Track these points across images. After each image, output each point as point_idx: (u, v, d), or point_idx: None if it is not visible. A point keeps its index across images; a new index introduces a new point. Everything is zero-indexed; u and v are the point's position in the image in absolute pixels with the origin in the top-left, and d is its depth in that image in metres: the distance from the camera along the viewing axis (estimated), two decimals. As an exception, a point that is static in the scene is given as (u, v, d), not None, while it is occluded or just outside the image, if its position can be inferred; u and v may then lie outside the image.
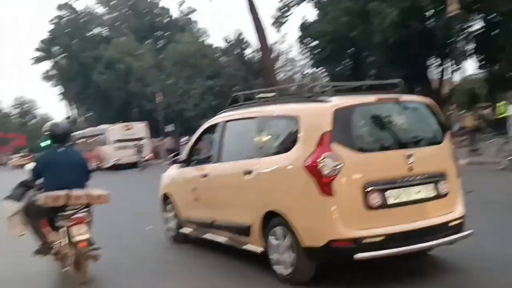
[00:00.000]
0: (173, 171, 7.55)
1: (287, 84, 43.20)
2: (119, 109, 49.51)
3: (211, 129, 6.81)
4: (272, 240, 5.13)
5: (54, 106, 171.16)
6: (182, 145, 27.54)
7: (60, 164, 5.87)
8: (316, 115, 4.94)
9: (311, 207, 4.70)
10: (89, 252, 5.56)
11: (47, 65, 64.19)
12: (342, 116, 4.74)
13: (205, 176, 6.42)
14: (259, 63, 38.57)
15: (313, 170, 4.60)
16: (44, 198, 5.62)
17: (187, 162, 7.15)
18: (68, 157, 6.00)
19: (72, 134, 6.75)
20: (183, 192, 7.11)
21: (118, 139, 31.93)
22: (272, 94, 6.00)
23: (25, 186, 6.20)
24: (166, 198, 7.71)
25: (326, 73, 35.22)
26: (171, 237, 7.61)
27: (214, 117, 6.84)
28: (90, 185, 6.10)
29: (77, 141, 37.60)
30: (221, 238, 6.20)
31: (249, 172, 5.44)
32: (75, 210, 5.64)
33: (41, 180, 5.93)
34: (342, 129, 4.74)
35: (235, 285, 5.27)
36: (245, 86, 36.40)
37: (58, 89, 67.84)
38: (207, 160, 6.72)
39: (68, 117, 66.51)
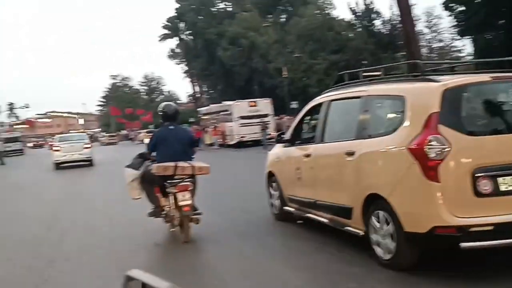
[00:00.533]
0: (279, 150, 7.65)
1: (430, 56, 40.29)
2: (241, 86, 49.50)
3: (316, 108, 6.78)
4: (373, 223, 5.03)
5: (179, 83, 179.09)
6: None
7: (170, 139, 6.82)
8: (423, 95, 4.71)
9: (415, 191, 4.52)
10: (191, 215, 6.47)
11: (173, 42, 66.52)
12: (451, 97, 4.47)
13: (308, 156, 6.43)
14: (390, 35, 36.11)
15: (418, 153, 4.41)
16: (156, 168, 6.62)
17: (291, 142, 7.20)
18: (177, 134, 6.94)
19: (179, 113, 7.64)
20: (287, 171, 7.19)
21: (243, 115, 30.57)
22: (379, 72, 5.81)
23: (142, 157, 7.26)
24: (271, 176, 7.86)
25: (472, 43, 31.90)
26: (275, 215, 7.76)
27: (319, 96, 6.80)
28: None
29: (201, 118, 38.97)
30: (322, 218, 6.19)
31: (352, 154, 5.36)
32: (181, 179, 6.52)
33: (154, 153, 6.96)
34: (451, 110, 4.47)
35: (331, 262, 5.26)
36: (373, 61, 34.56)
37: (183, 67, 70.51)
38: (310, 140, 6.72)
39: (192, 94, 67.49)
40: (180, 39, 63.04)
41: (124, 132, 70.09)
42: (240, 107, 31.33)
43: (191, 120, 55.89)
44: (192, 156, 6.99)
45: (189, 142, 7.05)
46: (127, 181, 7.20)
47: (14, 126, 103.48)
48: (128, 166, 7.26)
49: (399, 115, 4.85)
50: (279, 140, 7.46)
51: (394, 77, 5.51)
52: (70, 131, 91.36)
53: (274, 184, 7.74)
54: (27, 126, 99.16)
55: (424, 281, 4.52)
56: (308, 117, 7.09)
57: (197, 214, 6.64)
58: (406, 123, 4.68)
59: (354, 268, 5.06)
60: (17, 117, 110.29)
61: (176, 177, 6.54)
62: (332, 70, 35.53)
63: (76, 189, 15.02)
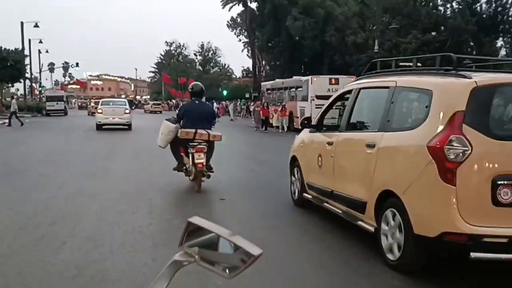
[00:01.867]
0: (305, 134, 7.46)
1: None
2: (308, 62, 44.56)
3: (345, 95, 6.56)
4: (385, 221, 4.82)
5: (235, 57, 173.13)
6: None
7: (195, 111, 8.61)
8: (450, 91, 4.43)
9: (429, 192, 4.29)
10: (203, 171, 8.29)
11: (237, 9, 61.83)
12: (480, 96, 4.17)
13: (330, 144, 6.24)
14: (494, 17, 31.82)
15: (437, 152, 4.16)
16: (180, 132, 8.44)
17: (317, 128, 7.01)
18: (201, 107, 8.80)
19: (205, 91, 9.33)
20: (309, 157, 7.02)
21: (319, 94, 23.67)
22: (410, 63, 5.52)
23: (175, 121, 8.94)
24: (294, 161, 7.71)
25: None
26: (294, 200, 7.62)
27: (351, 83, 6.55)
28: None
29: (264, 93, 34.70)
30: (337, 209, 6.02)
31: (372, 146, 5.14)
32: (199, 143, 8.28)
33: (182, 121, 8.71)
34: (478, 110, 4.18)
35: (339, 259, 5.10)
36: (474, 44, 30.77)
37: (242, 38, 67.05)
38: (336, 127, 6.51)
39: (248, 69, 63.70)
40: (245, 5, 57.75)
41: (173, 101, 66.39)
42: (318, 83, 25.22)
43: (248, 96, 53.04)
44: (212, 126, 8.77)
45: (209, 115, 8.87)
46: (162, 131, 8.97)
47: (69, 86, 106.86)
48: (167, 120, 9.10)
49: (424, 110, 4.58)
50: (305, 125, 7.26)
51: (425, 69, 5.19)
52: (121, 96, 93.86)
53: (296, 169, 7.59)
54: (78, 86, 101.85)
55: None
56: (338, 104, 6.86)
57: (210, 172, 8.53)
58: (430, 120, 4.41)
59: (362, 267, 4.89)
60: (71, 77, 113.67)
61: (195, 140, 8.31)
62: (423, 52, 29.75)
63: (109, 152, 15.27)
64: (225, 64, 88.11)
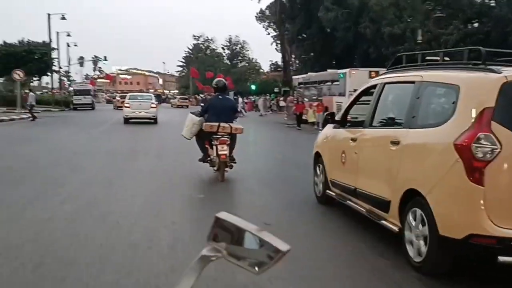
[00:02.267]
0: (329, 130, 7.32)
1: None
2: (339, 55, 42.46)
3: (370, 90, 6.39)
4: (409, 221, 4.66)
5: (263, 50, 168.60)
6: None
7: (218, 106, 9.19)
8: (479, 86, 4.24)
9: (455, 192, 4.11)
10: (226, 162, 8.96)
11: (267, 1, 59.22)
12: (510, 91, 3.97)
13: (354, 140, 6.09)
14: None
15: (464, 150, 3.98)
16: (205, 126, 9.11)
17: (341, 123, 6.86)
18: (224, 102, 9.36)
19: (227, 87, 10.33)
20: (333, 153, 6.88)
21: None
22: (437, 57, 5.32)
23: (199, 114, 9.63)
24: (318, 157, 7.58)
25: None
26: (317, 197, 7.50)
27: (376, 78, 6.37)
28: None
29: (297, 88, 33.55)
30: (360, 208, 5.87)
31: (397, 143, 4.97)
32: (222, 135, 8.87)
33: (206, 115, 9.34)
34: (508, 106, 3.98)
35: (363, 258, 4.96)
36: None
37: (271, 32, 64.13)
38: (360, 123, 6.36)
39: (276, 63, 60.50)
40: None
41: (201, 96, 63.49)
42: (356, 77, 23.48)
43: (277, 90, 51.71)
44: (235, 120, 9.42)
45: (231, 109, 9.53)
46: (187, 123, 9.63)
47: (98, 80, 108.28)
48: (192, 113, 9.93)
49: (451, 106, 4.40)
50: (329, 120, 7.10)
51: (452, 63, 4.99)
52: (149, 90, 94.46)
53: (319, 166, 7.46)
54: (108, 80, 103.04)
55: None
56: (362, 99, 6.69)
57: (232, 163, 9.24)
58: (457, 116, 4.23)
59: (386, 267, 4.75)
60: (101, 71, 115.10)
61: (218, 133, 8.91)
62: (465, 44, 26.90)
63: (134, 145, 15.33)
64: (252, 58, 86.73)
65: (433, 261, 4.31)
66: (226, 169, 9.05)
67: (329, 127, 7.32)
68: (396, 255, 4.89)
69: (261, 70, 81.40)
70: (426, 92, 4.90)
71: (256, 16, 67.62)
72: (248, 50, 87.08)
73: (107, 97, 77.29)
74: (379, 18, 37.44)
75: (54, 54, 49.77)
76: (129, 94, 30.80)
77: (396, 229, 4.95)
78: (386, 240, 5.30)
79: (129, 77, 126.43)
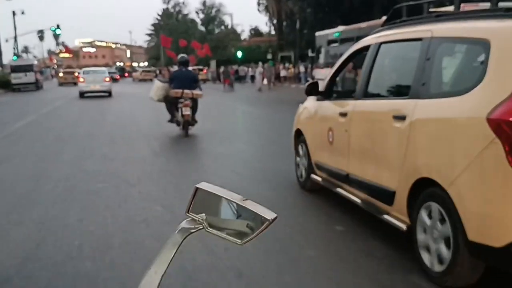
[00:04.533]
0: (311, 103, 6.26)
1: None
2: (351, 11, 34.57)
3: (360, 53, 5.35)
4: (422, 218, 3.69)
5: (242, 13, 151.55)
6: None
7: (182, 77, 11.56)
8: (519, 40, 3.21)
9: (491, 184, 3.12)
10: (189, 120, 11.37)
11: None
12: None
13: (344, 114, 5.05)
14: None
15: (503, 127, 2.97)
16: (172, 92, 11.42)
17: (325, 95, 5.81)
18: (186, 73, 11.77)
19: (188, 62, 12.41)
20: (317, 131, 5.85)
21: None
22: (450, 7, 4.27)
23: (167, 83, 11.94)
24: (299, 135, 6.56)
25: None
26: (300, 182, 6.51)
27: (365, 38, 5.30)
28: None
29: (322, 49, 25.91)
30: (354, 197, 4.89)
31: (402, 118, 3.95)
32: (185, 99, 11.24)
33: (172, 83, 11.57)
34: None
35: (363, 263, 3.99)
36: None
37: None
38: (350, 94, 5.33)
39: (277, 23, 50.81)
40: None
41: (174, 68, 59.04)
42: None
43: (270, 56, 45.21)
44: (195, 87, 11.61)
45: (192, 79, 11.77)
46: (154, 88, 11.99)
47: (60, 55, 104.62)
48: (158, 80, 13.34)
49: (477, 69, 3.38)
50: (311, 91, 6.01)
51: (474, 12, 3.94)
52: (116, 63, 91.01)
53: (301, 146, 6.45)
54: (69, 55, 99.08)
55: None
56: (350, 64, 5.65)
57: (194, 121, 11.63)
58: (488, 81, 3.21)
59: (392, 274, 3.78)
60: (64, 45, 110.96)
61: (182, 98, 11.28)
62: None
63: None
64: (227, 25, 79.40)
65: (459, 270, 3.35)
66: (190, 127, 11.50)
67: (312, 100, 6.25)
68: (403, 256, 3.94)
69: (243, 38, 73.55)
70: (439, 51, 3.85)
71: None
72: (226, 14, 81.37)
73: (53, 73, 69.41)
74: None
75: None
76: (83, 69, 32.20)
77: (403, 227, 3.98)
78: (389, 238, 4.34)
79: (93, 50, 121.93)
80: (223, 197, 1.12)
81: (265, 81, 35.02)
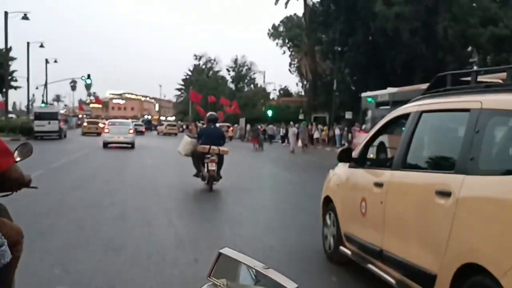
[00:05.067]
0: (342, 170, 5.97)
1: None
2: (392, 73, 33.81)
3: (399, 121, 5.10)
4: (470, 311, 3.29)
5: (275, 71, 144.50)
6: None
7: (210, 132, 12.04)
8: None
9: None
10: (214, 176, 11.62)
11: (294, 5, 51.51)
12: None
13: (380, 185, 4.74)
14: None
15: None
16: (200, 147, 11.83)
17: (359, 162, 5.52)
18: (214, 130, 12.23)
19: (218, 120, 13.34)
20: (348, 200, 5.54)
21: None
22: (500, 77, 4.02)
23: (193, 138, 12.63)
24: (328, 203, 6.24)
25: None
26: (327, 253, 6.13)
27: (405, 105, 5.06)
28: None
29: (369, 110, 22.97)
30: (388, 276, 4.49)
31: (447, 194, 3.63)
32: (212, 155, 11.56)
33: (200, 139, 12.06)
34: None
35: None
36: None
37: (287, 49, 57.28)
38: (386, 163, 5.04)
39: (312, 81, 49.22)
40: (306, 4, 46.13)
41: (201, 124, 52.26)
42: None
43: (301, 117, 45.03)
44: (222, 143, 12.09)
45: (220, 136, 12.24)
46: (183, 142, 12.48)
47: (90, 105, 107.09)
48: (187, 135, 13.81)
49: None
50: (344, 158, 5.74)
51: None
52: (145, 116, 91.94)
53: (330, 214, 6.11)
54: (99, 105, 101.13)
55: None
56: (387, 132, 5.40)
57: (219, 177, 11.86)
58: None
59: None
60: (94, 96, 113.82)
61: (209, 154, 11.61)
62: None
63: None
64: (257, 84, 79.21)
65: None
66: (214, 182, 11.72)
67: (343, 166, 5.97)
68: None
69: (271, 97, 72.71)
70: (490, 124, 3.56)
71: (268, 33, 63.57)
72: (255, 73, 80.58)
73: (78, 123, 67.51)
74: (464, 15, 27.40)
75: (17, 67, 44.34)
76: (108, 120, 33.80)
77: (446, 317, 3.57)
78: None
79: (122, 102, 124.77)
80: (245, 264, 1.13)
81: (299, 143, 33.21)
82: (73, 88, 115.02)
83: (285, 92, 69.31)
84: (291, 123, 37.83)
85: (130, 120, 36.21)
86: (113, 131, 28.24)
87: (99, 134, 38.57)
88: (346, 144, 27.59)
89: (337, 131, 36.61)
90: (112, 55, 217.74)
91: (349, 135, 33.33)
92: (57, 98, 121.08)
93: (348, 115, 35.48)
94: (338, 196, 5.90)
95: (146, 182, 13.45)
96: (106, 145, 27.76)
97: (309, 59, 48.84)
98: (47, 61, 53.97)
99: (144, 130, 55.49)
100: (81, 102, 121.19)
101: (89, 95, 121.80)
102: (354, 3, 36.78)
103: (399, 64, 33.70)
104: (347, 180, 5.69)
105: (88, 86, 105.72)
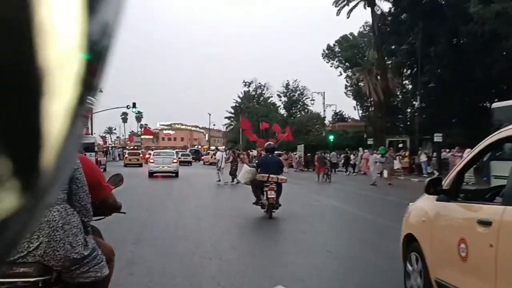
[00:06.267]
0: (428, 203, 5.14)
1: None
2: (483, 84, 30.03)
3: (501, 144, 4.27)
4: None
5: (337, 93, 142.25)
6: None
7: (268, 161, 12.72)
8: None
9: None
10: (273, 204, 12.06)
11: (358, 13, 47.42)
12: None
13: (486, 224, 3.90)
14: None
15: None
16: (258, 176, 12.44)
17: (452, 194, 4.69)
18: (272, 159, 12.93)
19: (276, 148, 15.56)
20: (441, 240, 4.69)
21: None
22: None
23: (253, 167, 13.60)
24: (410, 242, 5.40)
25: None
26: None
27: (509, 126, 4.22)
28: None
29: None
30: None
31: None
32: (270, 184, 12.10)
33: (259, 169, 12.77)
34: None
35: None
36: None
37: (342, 70, 54.77)
38: (491, 196, 4.20)
39: (384, 98, 45.10)
40: (371, 4, 42.80)
41: (254, 152, 49.77)
42: None
43: (370, 142, 41.66)
44: (280, 172, 12.84)
45: (278, 164, 13.02)
46: (243, 171, 13.51)
47: (142, 137, 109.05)
48: (251, 166, 14.05)
49: None
50: (431, 189, 4.91)
51: None
52: (195, 146, 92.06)
53: (414, 256, 5.26)
54: (147, 135, 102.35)
55: None
56: (488, 158, 4.55)
57: (278, 205, 12.24)
58: None
59: None
60: (146, 127, 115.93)
61: (268, 182, 12.10)
62: None
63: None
64: (308, 110, 75.89)
65: None
66: (273, 210, 12.09)
67: (428, 199, 5.14)
68: None
69: (327, 123, 68.74)
70: None
71: (322, 54, 61.55)
72: (308, 98, 74.57)
73: (124, 153, 68.32)
74: None
75: None
76: (154, 151, 36.31)
77: None
78: None
79: (172, 132, 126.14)
80: None
81: (385, 173, 27.01)
82: (124, 120, 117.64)
83: (340, 118, 66.76)
84: (360, 149, 35.43)
85: (173, 151, 38.01)
86: (158, 161, 30.12)
87: (140, 165, 42.42)
88: (436, 173, 23.71)
89: (423, 158, 31.32)
90: (161, 84, 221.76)
91: (441, 161, 28.98)
92: (109, 130, 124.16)
93: (438, 137, 30.20)
94: (425, 234, 5.05)
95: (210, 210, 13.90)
96: (151, 174, 29.26)
97: (381, 74, 45.08)
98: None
99: (191, 159, 54.84)
100: (132, 133, 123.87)
101: (140, 127, 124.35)
102: (436, 7, 32.37)
103: (498, 74, 28.28)
104: (437, 215, 4.84)
105: (139, 118, 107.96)
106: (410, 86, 44.11)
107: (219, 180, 24.10)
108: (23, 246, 2.74)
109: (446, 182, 4.81)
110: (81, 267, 2.96)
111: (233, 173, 23.83)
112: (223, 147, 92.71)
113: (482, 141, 4.53)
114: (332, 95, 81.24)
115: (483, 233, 3.90)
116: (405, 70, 40.90)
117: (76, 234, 2.94)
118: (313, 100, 71.19)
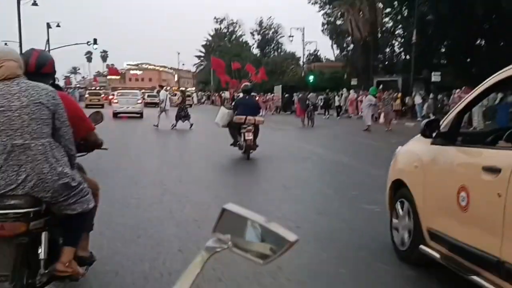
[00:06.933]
0: (420, 147, 4.76)
1: None
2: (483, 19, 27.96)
3: (506, 84, 3.86)
4: None
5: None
6: None
7: (245, 103, 12.85)
8: None
9: None
10: (251, 145, 12.32)
11: None
12: None
13: (492, 170, 3.52)
14: None
15: None
16: (235, 118, 12.55)
17: (451, 137, 4.31)
18: (249, 101, 13.27)
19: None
20: (436, 187, 4.33)
21: None
22: None
23: (230, 109, 13.48)
24: (398, 188, 5.07)
25: None
26: (399, 252, 4.98)
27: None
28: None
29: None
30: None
31: None
32: (248, 125, 12.29)
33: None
34: None
35: None
36: None
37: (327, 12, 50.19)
38: (493, 139, 3.82)
39: (370, 36, 42.61)
40: None
41: (226, 94, 49.20)
42: None
43: (354, 83, 40.08)
44: (257, 113, 13.05)
45: (255, 106, 13.37)
46: (220, 114, 13.08)
47: (108, 77, 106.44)
48: (224, 106, 15.06)
49: None
50: (427, 131, 4.51)
51: None
52: (163, 87, 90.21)
53: (403, 204, 4.93)
54: (113, 76, 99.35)
55: None
56: (492, 98, 4.14)
57: (255, 146, 12.48)
58: None
59: None
60: (110, 68, 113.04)
61: (245, 124, 12.28)
62: None
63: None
64: (282, 50, 73.04)
65: None
66: (251, 151, 12.35)
67: (420, 142, 4.76)
68: None
69: (300, 62, 65.74)
70: None
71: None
72: (283, 36, 72.77)
73: (80, 94, 63.03)
74: None
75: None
76: (117, 91, 36.65)
77: None
78: None
79: (139, 72, 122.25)
80: (248, 219, 1.20)
81: (381, 118, 25.49)
82: (89, 59, 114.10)
83: (315, 58, 64.52)
84: (344, 89, 34.50)
85: (138, 91, 37.39)
86: (122, 102, 30.39)
87: (102, 106, 41.57)
88: (431, 116, 19.97)
89: (418, 99, 29.51)
90: (128, 22, 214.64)
91: (437, 103, 27.28)
92: (74, 70, 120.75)
93: (436, 77, 27.99)
94: (417, 180, 4.68)
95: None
96: (116, 115, 29.32)
97: (369, 5, 41.58)
98: (48, 26, 49.45)
99: (158, 101, 53.50)
100: (98, 74, 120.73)
101: (106, 67, 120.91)
102: None
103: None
104: (432, 160, 4.47)
105: (104, 58, 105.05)
106: (391, 23, 41.97)
107: (157, 125, 21.73)
108: (12, 178, 2.86)
109: (443, 124, 4.42)
110: (69, 198, 3.07)
111: (179, 116, 21.76)
112: (193, 88, 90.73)
113: (488, 79, 4.10)
114: (310, 34, 78.10)
115: (490, 181, 3.53)
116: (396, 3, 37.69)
117: (62, 166, 3.03)
118: (292, 36, 69.10)
